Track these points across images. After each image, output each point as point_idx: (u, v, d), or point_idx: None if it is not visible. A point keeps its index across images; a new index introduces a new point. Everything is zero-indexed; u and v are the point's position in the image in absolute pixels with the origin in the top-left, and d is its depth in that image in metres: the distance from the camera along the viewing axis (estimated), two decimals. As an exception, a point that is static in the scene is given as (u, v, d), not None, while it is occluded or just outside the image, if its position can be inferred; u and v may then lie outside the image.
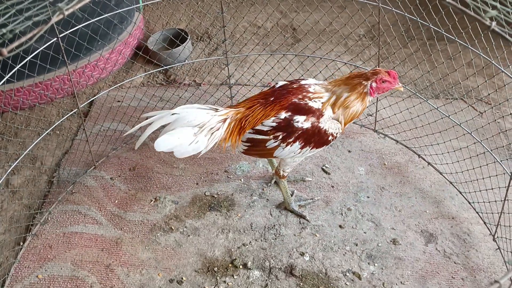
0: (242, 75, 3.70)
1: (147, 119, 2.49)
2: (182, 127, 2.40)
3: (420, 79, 3.58)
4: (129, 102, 3.35)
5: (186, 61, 3.94)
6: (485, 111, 3.36)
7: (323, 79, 3.38)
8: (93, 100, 3.61)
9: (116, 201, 2.94)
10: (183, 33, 3.94)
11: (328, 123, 2.44)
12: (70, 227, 2.81)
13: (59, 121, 2.95)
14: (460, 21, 2.60)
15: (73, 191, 3.00)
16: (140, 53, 3.57)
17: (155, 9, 4.44)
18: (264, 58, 3.69)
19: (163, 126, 2.46)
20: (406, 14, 2.67)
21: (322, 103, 2.46)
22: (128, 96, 3.45)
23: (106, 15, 2.89)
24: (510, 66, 2.80)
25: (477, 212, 2.74)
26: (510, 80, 2.88)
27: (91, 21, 2.75)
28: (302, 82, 2.57)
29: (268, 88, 2.69)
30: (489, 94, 3.27)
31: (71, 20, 2.68)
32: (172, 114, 2.43)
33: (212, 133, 2.46)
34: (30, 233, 2.77)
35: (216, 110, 2.52)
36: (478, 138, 2.81)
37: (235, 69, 3.77)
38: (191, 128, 2.42)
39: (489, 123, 2.92)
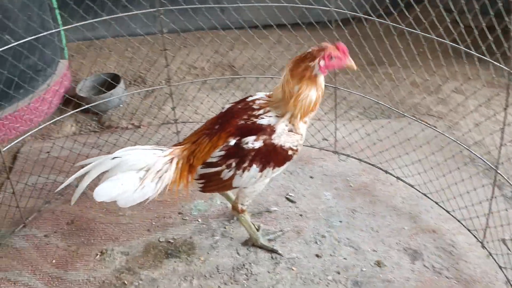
0: (184, 112, 3.42)
1: (82, 167, 2.12)
2: (125, 172, 2.07)
3: (366, 98, 3.49)
4: (59, 151, 2.95)
5: (121, 105, 3.62)
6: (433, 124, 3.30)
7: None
8: (16, 153, 3.17)
9: (54, 261, 2.47)
10: (113, 79, 3.63)
11: (283, 138, 2.17)
12: (-2, 299, 2.30)
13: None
14: (394, 45, 2.56)
15: (-2, 256, 2.50)
16: (69, 98, 3.21)
17: (83, 57, 4.12)
18: (204, 95, 3.45)
19: (103, 173, 2.10)
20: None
21: (273, 117, 2.18)
22: (58, 147, 3.04)
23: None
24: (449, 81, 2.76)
25: (458, 221, 2.56)
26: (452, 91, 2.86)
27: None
28: (249, 99, 2.31)
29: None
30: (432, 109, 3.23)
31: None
32: (113, 158, 2.09)
33: (160, 176, 2.15)
34: None
35: (162, 150, 2.21)
36: (439, 146, 2.70)
37: (176, 106, 3.50)
38: (136, 172, 2.09)
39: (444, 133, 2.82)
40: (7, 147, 2.67)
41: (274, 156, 2.18)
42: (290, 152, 2.20)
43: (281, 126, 2.17)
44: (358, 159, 3.03)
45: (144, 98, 3.71)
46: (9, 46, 2.39)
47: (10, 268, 2.43)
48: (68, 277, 2.39)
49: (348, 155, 3.07)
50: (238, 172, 2.18)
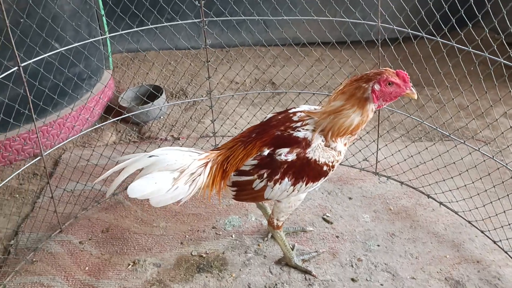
0: (222, 125, 3.40)
1: (121, 163, 2.12)
2: (160, 171, 2.06)
3: (409, 120, 3.39)
4: (98, 159, 2.98)
5: (161, 116, 3.64)
6: (479, 148, 3.14)
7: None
8: (57, 159, 3.22)
9: (87, 268, 2.47)
10: (155, 90, 3.67)
11: (318, 152, 2.09)
12: (30, 302, 2.31)
13: (17, 172, 2.51)
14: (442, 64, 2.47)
15: (34, 259, 2.52)
16: (111, 107, 3.26)
17: (127, 68, 4.19)
18: (243, 109, 3.44)
19: (139, 171, 2.10)
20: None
21: (310, 130, 2.11)
22: (97, 155, 3.08)
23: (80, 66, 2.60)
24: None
25: (505, 252, 2.42)
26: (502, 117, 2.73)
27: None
28: (291, 110, 2.25)
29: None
30: (480, 131, 3.09)
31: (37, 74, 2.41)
32: (150, 156, 2.08)
33: (194, 179, 2.12)
34: (-20, 313, 2.25)
35: (198, 153, 2.19)
36: (487, 171, 2.57)
37: (216, 119, 3.49)
38: (170, 173, 2.07)
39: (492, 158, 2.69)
40: (48, 151, 2.71)
41: (307, 170, 2.12)
42: (325, 168, 2.13)
43: (317, 141, 2.10)
44: (399, 181, 2.93)
45: (185, 110, 3.72)
46: (57, 51, 2.44)
47: (44, 273, 2.45)
48: (100, 286, 2.38)
49: (389, 177, 2.97)
50: (269, 183, 2.13)
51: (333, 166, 2.15)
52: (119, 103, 3.56)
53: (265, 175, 2.12)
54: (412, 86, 2.04)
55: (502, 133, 2.71)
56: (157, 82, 4.00)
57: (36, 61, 2.33)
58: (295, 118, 2.18)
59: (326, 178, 2.19)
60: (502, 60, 2.16)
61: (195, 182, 2.12)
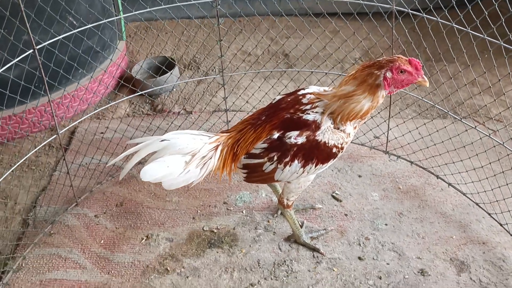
0: (236, 100, 3.43)
1: (134, 146, 2.17)
2: (172, 155, 2.10)
3: (423, 100, 3.37)
4: (113, 134, 3.03)
5: (174, 89, 3.66)
6: (498, 130, 3.13)
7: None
8: (73, 131, 3.28)
9: (102, 241, 2.57)
10: (169, 61, 3.69)
11: (327, 135, 2.11)
12: (48, 273, 2.41)
13: (36, 149, 2.57)
14: (455, 44, 2.42)
15: (52, 231, 2.62)
16: (123, 82, 3.29)
17: (139, 38, 4.19)
18: (258, 84, 3.44)
19: (152, 154, 2.15)
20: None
21: (319, 113, 2.13)
22: (112, 128, 3.13)
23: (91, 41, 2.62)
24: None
25: (511, 235, 2.45)
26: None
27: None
28: (300, 92, 2.25)
29: None
30: (500, 113, 3.07)
31: (51, 48, 2.43)
32: (162, 140, 2.12)
33: (205, 162, 2.16)
34: (1, 282, 2.36)
35: (208, 136, 2.22)
36: (497, 155, 2.58)
37: (229, 95, 3.50)
38: (182, 156, 2.11)
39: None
40: (63, 130, 2.77)
41: (317, 152, 2.15)
42: (334, 150, 2.16)
43: (327, 123, 2.12)
44: (409, 161, 2.95)
45: (198, 84, 3.73)
46: (72, 32, 2.45)
47: (61, 245, 2.54)
48: (115, 259, 2.47)
49: (399, 156, 2.99)
50: (279, 166, 2.17)
51: (342, 148, 2.18)
52: (133, 76, 3.58)
53: (275, 157, 2.15)
54: (423, 74, 2.03)
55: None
56: (171, 54, 4.01)
57: (50, 38, 2.37)
58: (304, 100, 2.19)
59: (335, 160, 2.22)
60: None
61: (206, 165, 2.17)
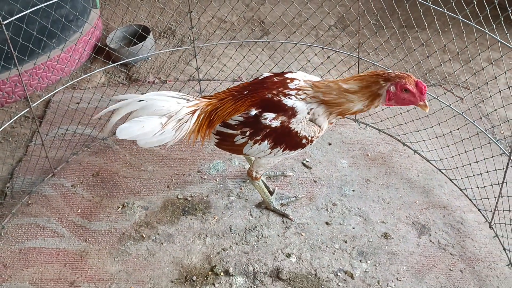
0: (210, 69, 3.46)
1: (117, 102, 2.23)
2: (148, 116, 2.17)
3: (395, 67, 3.44)
4: (88, 103, 3.06)
5: (149, 58, 3.68)
6: (464, 97, 3.23)
7: (298, 70, 3.18)
8: (48, 102, 3.30)
9: (79, 210, 2.65)
10: (143, 30, 3.68)
11: (301, 125, 2.18)
12: (27, 242, 2.50)
13: (8, 123, 2.61)
14: (427, 10, 2.45)
15: (29, 202, 2.69)
16: (97, 51, 3.29)
17: (113, 6, 4.16)
18: (232, 52, 3.47)
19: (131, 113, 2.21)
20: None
21: (299, 99, 2.18)
22: (87, 97, 3.15)
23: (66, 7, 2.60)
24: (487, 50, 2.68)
25: (470, 199, 2.59)
26: (487, 64, 2.77)
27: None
28: (288, 75, 2.29)
29: (239, 82, 2.41)
30: (466, 80, 3.16)
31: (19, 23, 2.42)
32: (139, 100, 2.18)
33: (181, 125, 2.23)
34: (-19, 251, 2.45)
35: (188, 100, 2.28)
36: (460, 123, 2.68)
37: (202, 63, 3.54)
38: (158, 118, 2.18)
39: (469, 109, 2.78)
40: (36, 103, 2.79)
41: (287, 139, 2.22)
42: (304, 141, 2.24)
43: (303, 113, 2.18)
44: (377, 129, 3.05)
45: (172, 52, 3.75)
46: (39, 6, 2.44)
47: (39, 215, 2.62)
48: (92, 227, 2.56)
49: (368, 124, 3.08)
50: (249, 142, 2.25)
51: (311, 141, 2.26)
52: (108, 45, 3.58)
53: (248, 133, 2.23)
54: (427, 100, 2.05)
55: (487, 83, 2.77)
56: (146, 21, 3.99)
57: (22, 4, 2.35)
58: (291, 85, 2.22)
59: (303, 150, 2.31)
60: None
61: (181, 128, 2.23)
